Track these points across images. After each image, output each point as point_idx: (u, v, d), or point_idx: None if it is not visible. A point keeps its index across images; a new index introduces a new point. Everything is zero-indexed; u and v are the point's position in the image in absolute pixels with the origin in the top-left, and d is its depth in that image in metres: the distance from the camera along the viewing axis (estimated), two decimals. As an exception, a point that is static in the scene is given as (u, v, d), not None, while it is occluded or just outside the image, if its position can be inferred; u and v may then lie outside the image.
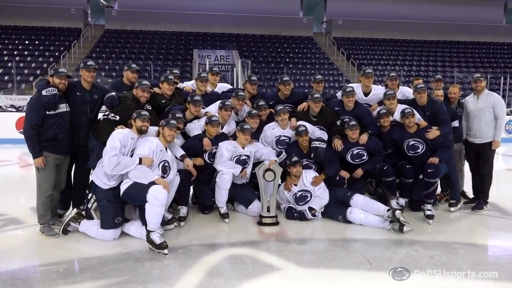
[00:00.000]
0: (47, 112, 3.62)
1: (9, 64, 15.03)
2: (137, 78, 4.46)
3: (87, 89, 3.96)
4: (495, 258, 3.61)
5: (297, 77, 16.82)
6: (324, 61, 19.47)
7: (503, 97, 15.35)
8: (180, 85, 5.06)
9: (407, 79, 15.57)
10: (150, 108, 4.14)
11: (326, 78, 16.77)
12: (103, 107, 4.10)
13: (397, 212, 3.98)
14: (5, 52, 16.76)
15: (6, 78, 14.92)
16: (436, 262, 3.29)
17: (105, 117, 3.96)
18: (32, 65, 16.09)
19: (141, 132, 3.70)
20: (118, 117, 3.87)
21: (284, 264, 3.24)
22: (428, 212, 4.31)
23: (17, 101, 12.66)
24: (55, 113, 3.67)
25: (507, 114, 13.66)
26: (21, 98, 12.77)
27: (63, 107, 3.75)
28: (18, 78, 14.47)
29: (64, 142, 3.78)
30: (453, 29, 22.12)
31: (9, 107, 12.13)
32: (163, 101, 4.44)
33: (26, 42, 17.85)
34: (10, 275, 3.03)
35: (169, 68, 5.29)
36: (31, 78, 15.08)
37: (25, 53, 17.00)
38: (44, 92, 3.59)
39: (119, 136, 3.56)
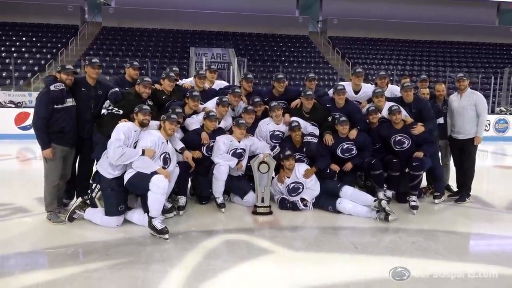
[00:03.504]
0: (55, 106, 3.83)
1: (7, 61, 15.16)
2: (139, 75, 4.68)
3: (92, 85, 4.17)
4: (473, 245, 3.89)
5: (293, 75, 17.03)
6: (319, 60, 19.69)
7: (494, 96, 15.69)
8: (180, 82, 5.28)
9: (400, 78, 15.80)
10: (152, 103, 4.36)
11: (321, 76, 17.01)
12: (106, 103, 4.31)
13: (383, 202, 4.22)
14: (3, 49, 16.87)
15: (4, 74, 15.09)
16: (417, 247, 3.54)
17: (109, 111, 4.18)
18: (30, 61, 16.21)
19: (143, 125, 3.92)
20: (121, 111, 4.09)
21: (277, 248, 3.47)
22: (412, 203, 4.56)
23: (15, 97, 12.85)
24: (62, 107, 3.88)
25: (497, 113, 14.01)
26: (20, 94, 13.00)
27: (70, 102, 3.96)
28: (16, 74, 14.64)
29: (71, 134, 4.00)
30: (447, 29, 22.46)
31: (8, 103, 12.28)
32: (163, 97, 4.65)
33: (24, 38, 17.95)
34: (21, 258, 3.26)
35: (169, 66, 5.50)
36: (29, 75, 15.26)
37: (23, 49, 17.10)
38: (52, 87, 3.81)
39: (123, 129, 3.79)
